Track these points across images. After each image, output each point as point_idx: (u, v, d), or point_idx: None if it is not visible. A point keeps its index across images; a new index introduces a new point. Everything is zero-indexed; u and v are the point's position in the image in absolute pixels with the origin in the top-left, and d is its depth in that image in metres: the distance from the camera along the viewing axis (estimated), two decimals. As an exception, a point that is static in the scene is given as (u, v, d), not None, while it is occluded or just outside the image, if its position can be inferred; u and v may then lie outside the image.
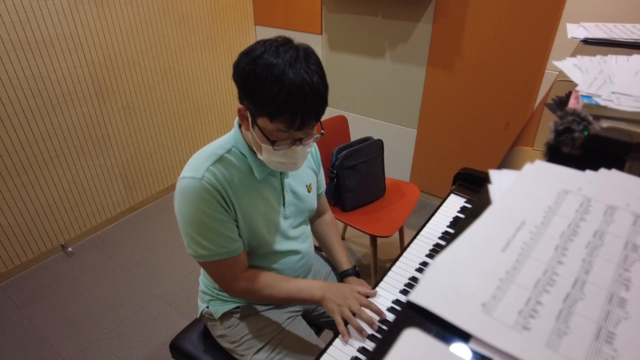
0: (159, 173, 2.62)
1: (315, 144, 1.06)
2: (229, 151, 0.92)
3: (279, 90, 0.75)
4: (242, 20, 2.80)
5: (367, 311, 0.89)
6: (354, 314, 0.89)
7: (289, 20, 2.67)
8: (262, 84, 0.76)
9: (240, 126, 0.94)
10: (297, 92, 0.75)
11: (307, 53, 0.80)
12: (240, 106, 0.85)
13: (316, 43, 2.60)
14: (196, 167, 0.88)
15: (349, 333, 0.86)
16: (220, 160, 0.90)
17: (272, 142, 0.83)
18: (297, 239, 1.07)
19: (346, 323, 0.88)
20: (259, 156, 0.90)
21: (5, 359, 1.65)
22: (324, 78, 0.82)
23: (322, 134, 0.90)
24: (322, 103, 0.81)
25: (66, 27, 1.92)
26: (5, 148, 1.85)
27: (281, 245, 1.02)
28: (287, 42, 0.80)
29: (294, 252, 1.06)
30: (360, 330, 0.85)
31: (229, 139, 0.94)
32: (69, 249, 2.22)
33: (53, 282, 2.03)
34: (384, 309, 0.91)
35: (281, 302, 1.02)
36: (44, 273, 2.09)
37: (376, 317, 0.89)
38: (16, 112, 1.84)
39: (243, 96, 0.82)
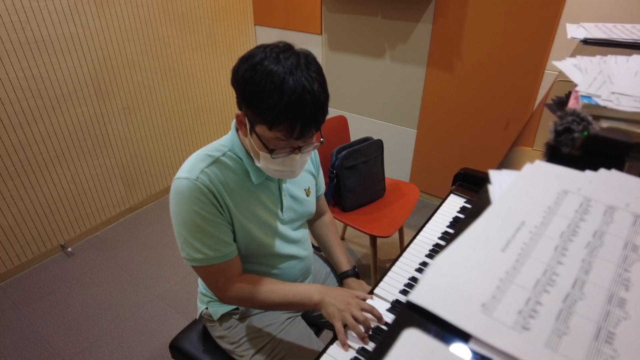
0: (159, 173, 2.62)
1: None
2: (224, 154, 0.91)
3: (278, 98, 0.74)
4: (242, 21, 2.80)
5: (369, 315, 0.88)
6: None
7: (288, 20, 2.67)
8: (261, 91, 0.75)
9: (237, 130, 0.93)
10: (297, 101, 0.74)
11: (308, 60, 0.78)
12: (239, 112, 0.84)
13: (316, 43, 2.60)
14: (191, 168, 0.87)
15: (347, 344, 0.84)
16: (215, 162, 0.89)
17: (271, 151, 0.82)
18: (296, 243, 1.07)
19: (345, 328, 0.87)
20: (257, 163, 0.89)
21: (5, 359, 1.65)
22: (325, 86, 0.80)
23: (321, 142, 0.89)
24: (323, 112, 0.80)
25: (66, 27, 1.92)
26: (5, 148, 1.85)
27: (280, 249, 1.01)
28: (288, 48, 0.78)
29: (294, 257, 1.06)
30: (363, 338, 0.84)
31: (226, 142, 0.93)
32: (69, 249, 2.22)
33: (53, 282, 2.03)
34: (383, 309, 0.91)
35: (277, 308, 0.98)
36: (43, 273, 2.09)
37: (376, 323, 0.88)
38: (16, 112, 1.84)
39: (242, 102, 0.81)
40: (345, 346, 0.83)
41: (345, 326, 0.87)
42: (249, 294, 0.93)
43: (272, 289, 0.94)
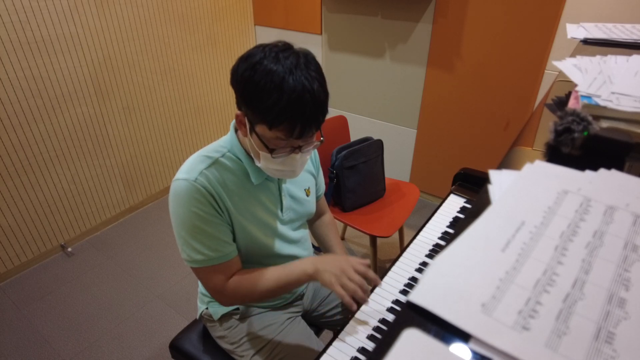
0: (159, 173, 2.62)
1: None
2: (224, 155, 0.91)
3: (278, 98, 0.74)
4: (242, 21, 2.80)
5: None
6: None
7: (288, 20, 2.67)
8: (261, 91, 0.75)
9: (236, 130, 0.93)
10: (296, 100, 0.74)
11: (308, 59, 0.78)
12: (238, 112, 0.84)
13: (316, 43, 2.60)
14: (190, 169, 0.87)
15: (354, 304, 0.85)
16: (214, 164, 0.89)
17: (271, 150, 0.82)
18: (296, 243, 1.07)
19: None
20: (257, 163, 0.89)
21: (5, 359, 1.65)
22: (325, 85, 0.80)
23: (321, 141, 0.89)
24: (322, 111, 0.79)
25: (66, 27, 1.92)
26: (5, 148, 1.85)
27: (280, 249, 1.01)
28: (287, 47, 0.78)
29: (294, 257, 1.06)
30: (364, 300, 0.85)
31: (225, 142, 0.93)
32: (69, 249, 2.22)
33: (53, 282, 2.03)
34: (383, 309, 0.91)
35: (276, 292, 0.95)
36: (43, 273, 2.09)
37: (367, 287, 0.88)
38: (16, 112, 1.84)
39: (241, 102, 0.81)
40: (352, 306, 0.83)
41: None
42: (244, 288, 0.92)
43: (266, 276, 0.93)
